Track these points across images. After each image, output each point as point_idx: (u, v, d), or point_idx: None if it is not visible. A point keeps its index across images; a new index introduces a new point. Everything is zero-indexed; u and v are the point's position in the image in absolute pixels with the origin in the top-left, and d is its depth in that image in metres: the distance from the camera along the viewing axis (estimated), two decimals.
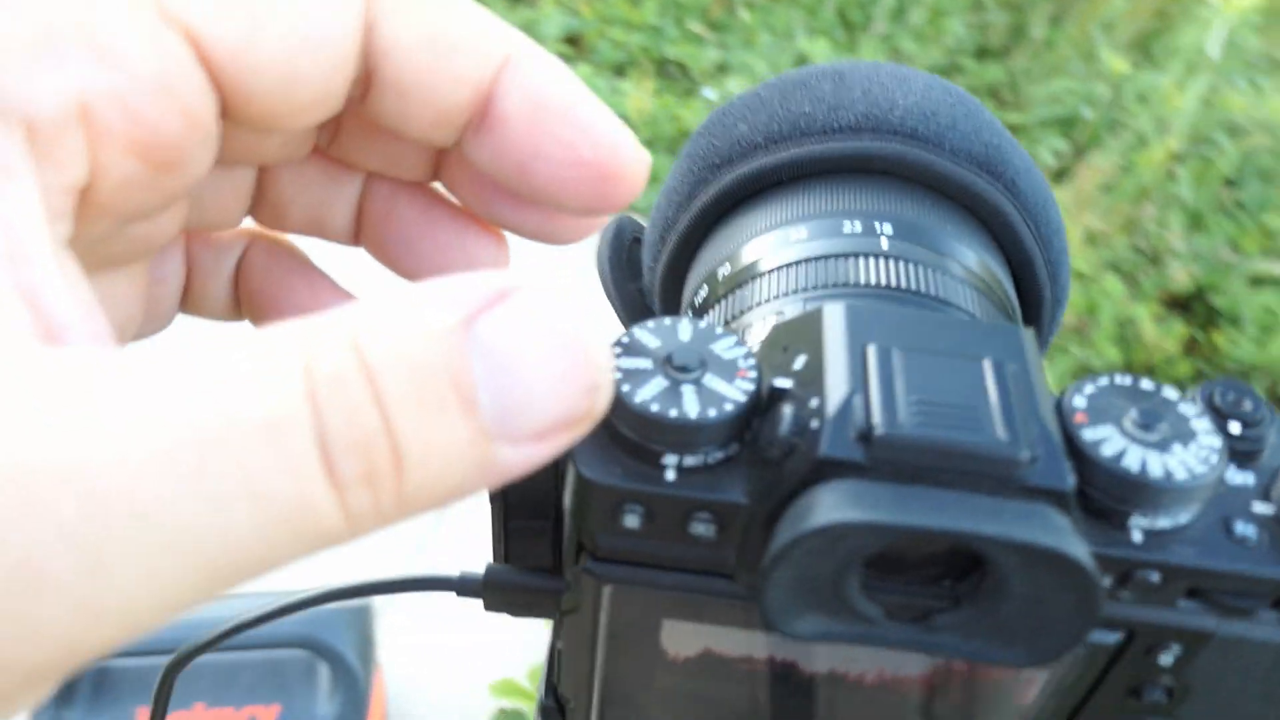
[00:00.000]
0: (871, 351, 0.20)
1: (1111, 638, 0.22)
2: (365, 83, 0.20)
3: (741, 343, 0.21)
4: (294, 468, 0.13)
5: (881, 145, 0.31)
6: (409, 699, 1.11)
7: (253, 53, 0.17)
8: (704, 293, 0.33)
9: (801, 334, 0.22)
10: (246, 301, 0.25)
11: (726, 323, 0.31)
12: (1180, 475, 0.20)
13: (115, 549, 0.12)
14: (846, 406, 0.19)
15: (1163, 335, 1.54)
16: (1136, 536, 0.21)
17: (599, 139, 0.20)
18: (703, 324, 0.21)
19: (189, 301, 0.25)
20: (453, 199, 0.24)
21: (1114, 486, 0.20)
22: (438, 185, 0.24)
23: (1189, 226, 1.75)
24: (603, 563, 0.22)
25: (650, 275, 0.36)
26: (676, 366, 0.20)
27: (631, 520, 0.20)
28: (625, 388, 0.20)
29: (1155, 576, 0.21)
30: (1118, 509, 0.21)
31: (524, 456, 0.16)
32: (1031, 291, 0.34)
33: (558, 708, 0.27)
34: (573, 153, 0.20)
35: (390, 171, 0.24)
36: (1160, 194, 1.78)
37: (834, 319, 0.21)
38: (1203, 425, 0.21)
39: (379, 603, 1.01)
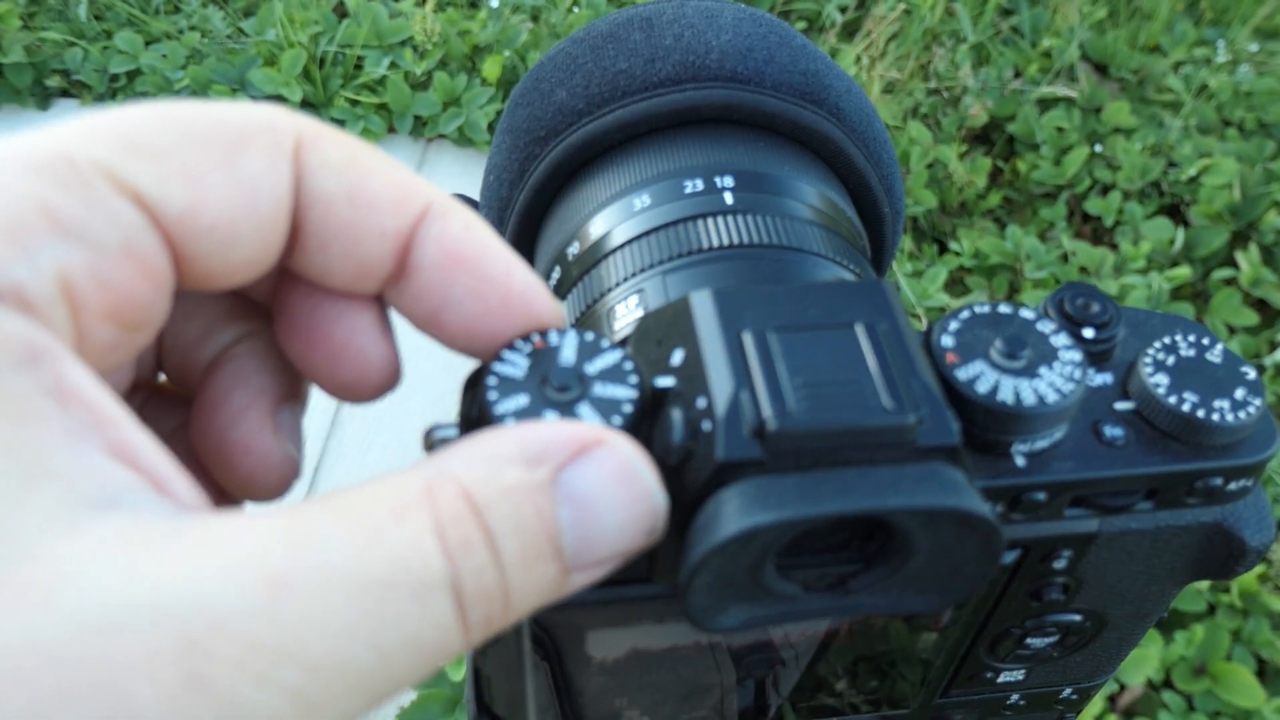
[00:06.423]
0: (748, 339, 0.20)
1: (1009, 556, 0.23)
2: (291, 239, 0.20)
3: (615, 346, 0.21)
4: (439, 621, 0.16)
5: (706, 94, 0.31)
6: None
7: (198, 216, 0.18)
8: (557, 274, 0.32)
9: (673, 326, 0.21)
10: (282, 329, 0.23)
11: (588, 306, 0.30)
12: (1051, 398, 0.21)
13: (323, 698, 0.15)
14: (735, 404, 0.19)
15: (970, 171, 1.60)
16: (1020, 461, 0.22)
17: (510, 289, 0.20)
18: (571, 337, 0.21)
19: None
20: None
21: (993, 421, 0.21)
22: None
23: (976, 61, 1.81)
24: None
25: None
26: (557, 388, 0.20)
27: None
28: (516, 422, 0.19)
29: (1041, 495, 0.22)
30: (1000, 439, 0.21)
31: (589, 578, 0.18)
32: (871, 208, 0.34)
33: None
34: (482, 303, 0.20)
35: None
36: (945, 33, 1.84)
37: (704, 308, 0.21)
38: (1061, 341, 0.22)
39: None
